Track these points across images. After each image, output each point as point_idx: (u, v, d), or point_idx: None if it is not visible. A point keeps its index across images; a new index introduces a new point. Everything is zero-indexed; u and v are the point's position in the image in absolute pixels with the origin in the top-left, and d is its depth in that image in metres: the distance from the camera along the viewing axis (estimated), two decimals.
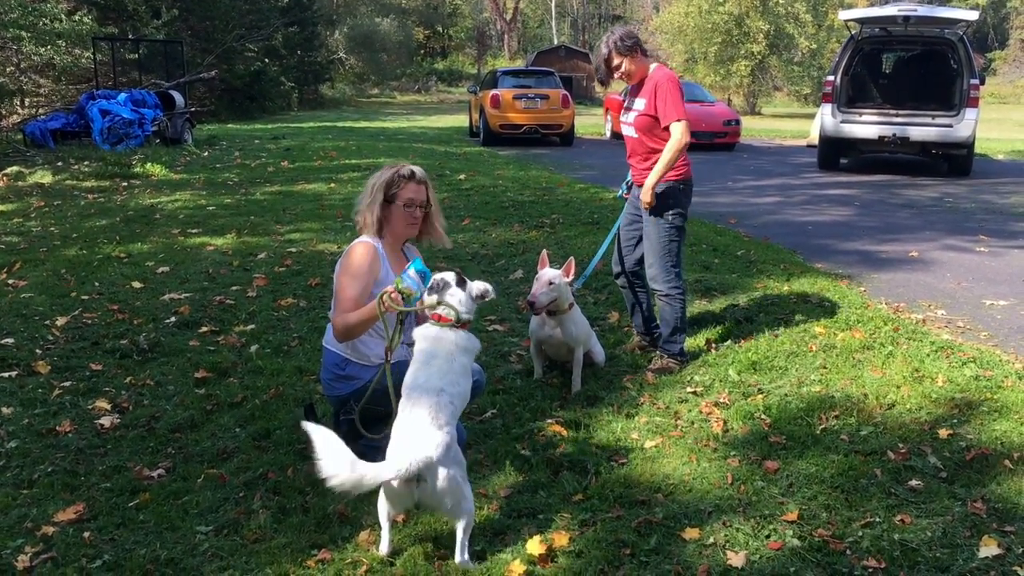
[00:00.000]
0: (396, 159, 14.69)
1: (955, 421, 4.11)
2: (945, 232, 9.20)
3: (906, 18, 13.98)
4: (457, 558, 3.02)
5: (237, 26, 32.70)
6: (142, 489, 3.55)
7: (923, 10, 14.05)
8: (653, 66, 4.71)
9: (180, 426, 4.15)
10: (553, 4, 65.16)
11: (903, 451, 3.81)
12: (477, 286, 3.37)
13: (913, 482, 3.56)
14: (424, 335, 3.28)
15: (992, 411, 4.20)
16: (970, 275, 7.24)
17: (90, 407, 4.33)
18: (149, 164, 12.98)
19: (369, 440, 3.49)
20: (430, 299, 3.32)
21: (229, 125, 25.51)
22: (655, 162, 4.63)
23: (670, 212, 4.71)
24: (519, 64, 50.25)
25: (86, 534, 3.20)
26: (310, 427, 2.80)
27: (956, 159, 14.94)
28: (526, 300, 4.58)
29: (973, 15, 14.34)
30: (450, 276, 3.37)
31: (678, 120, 4.53)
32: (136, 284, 6.50)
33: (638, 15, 66.60)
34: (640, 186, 4.77)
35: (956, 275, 7.25)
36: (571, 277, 4.58)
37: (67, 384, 4.64)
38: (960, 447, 3.83)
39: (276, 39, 37.44)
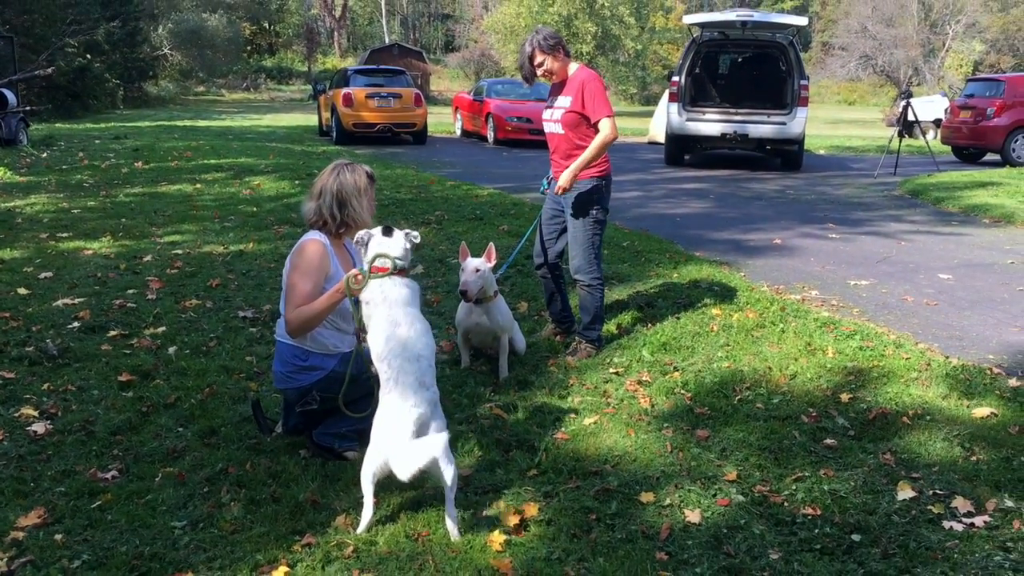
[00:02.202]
0: (257, 159, 14.46)
1: (852, 387, 4.61)
2: (798, 221, 10.02)
3: (744, 23, 14.99)
4: (448, 513, 3.20)
5: (58, 21, 30.83)
6: (100, 491, 3.49)
7: (758, 15, 15.13)
8: (575, 65, 4.98)
9: (119, 429, 4.07)
10: (383, 2, 64.67)
11: (814, 415, 4.25)
12: (400, 232, 3.51)
13: (828, 440, 3.99)
14: (371, 296, 3.38)
15: (881, 376, 4.73)
16: (831, 259, 7.97)
17: (16, 415, 4.18)
18: None
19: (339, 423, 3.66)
20: (368, 255, 3.45)
21: (57, 124, 24.08)
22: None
23: (593, 207, 4.99)
24: (351, 62, 49.65)
25: (57, 536, 3.14)
26: None
27: (789, 154, 16.13)
28: (459, 290, 4.74)
29: (803, 20, 15.52)
30: (375, 230, 3.51)
31: (607, 117, 4.83)
32: (21, 290, 6.21)
33: (469, 14, 67.13)
34: None
35: (819, 259, 7.95)
36: (493, 262, 4.78)
37: None
38: (862, 409, 4.32)
39: (98, 35, 35.54)
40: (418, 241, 3.58)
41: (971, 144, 18.20)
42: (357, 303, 3.56)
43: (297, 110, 36.52)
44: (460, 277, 4.76)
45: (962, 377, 4.72)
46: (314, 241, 3.80)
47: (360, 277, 3.45)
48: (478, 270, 4.70)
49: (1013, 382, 4.67)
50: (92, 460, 3.77)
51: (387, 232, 3.49)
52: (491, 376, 4.86)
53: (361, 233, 3.52)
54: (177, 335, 5.37)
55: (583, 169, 4.90)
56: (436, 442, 3.10)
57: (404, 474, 3.07)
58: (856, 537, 3.19)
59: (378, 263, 3.43)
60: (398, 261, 3.45)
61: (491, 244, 4.84)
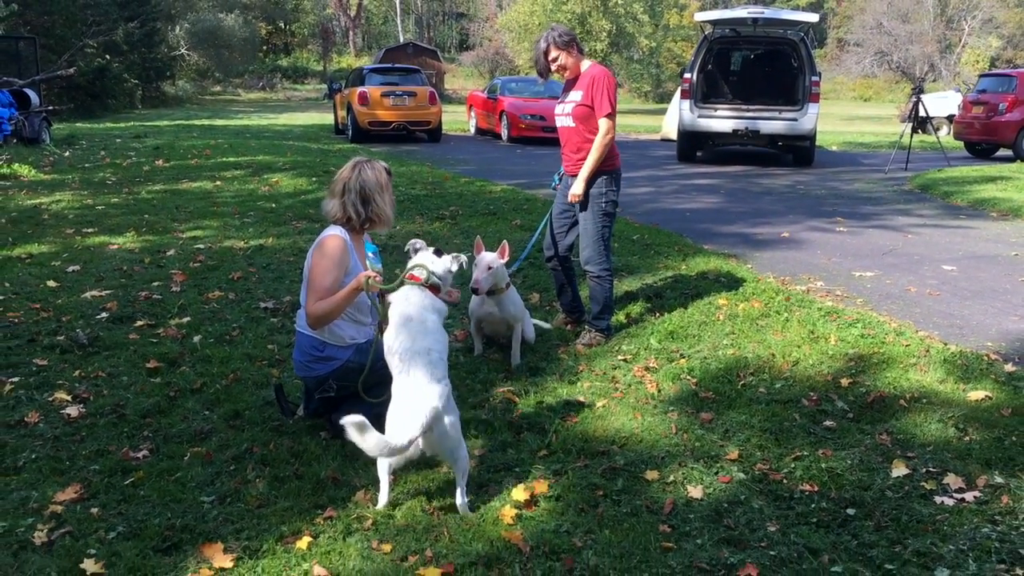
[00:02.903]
0: (274, 157, 14.69)
1: (852, 372, 4.76)
2: (806, 215, 10.16)
3: (755, 20, 15.11)
4: (458, 500, 3.38)
5: (78, 22, 31.23)
6: (133, 469, 3.68)
7: (769, 12, 15.25)
8: (588, 63, 5.16)
9: (149, 412, 4.27)
10: (398, 1, 64.88)
11: (814, 398, 4.41)
12: (449, 256, 3.80)
13: (827, 423, 4.15)
14: (396, 297, 3.61)
15: (881, 362, 4.89)
16: (837, 252, 8.12)
17: (50, 399, 4.38)
18: (16, 165, 12.48)
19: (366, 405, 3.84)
20: (410, 263, 3.71)
21: (78, 124, 24.44)
22: (588, 152, 5.07)
23: (603, 200, 5.17)
24: (366, 61, 49.89)
25: (94, 510, 3.34)
26: (346, 422, 3.01)
27: (800, 150, 16.22)
28: (470, 286, 4.91)
29: (814, 17, 15.62)
30: (430, 248, 3.80)
31: (606, 116, 5.00)
32: (51, 283, 6.43)
33: (483, 13, 67.22)
34: (572, 175, 5.21)
35: (825, 252, 8.10)
36: (506, 259, 4.95)
37: (16, 380, 4.63)
38: (861, 392, 4.48)
39: (117, 35, 35.95)
40: (463, 260, 3.84)
41: (983, 139, 18.23)
42: (382, 299, 3.76)
43: (313, 109, 36.84)
44: (472, 272, 4.93)
45: (960, 363, 4.87)
46: (335, 236, 3.95)
47: (379, 279, 3.65)
48: (490, 267, 4.85)
49: (1009, 367, 4.82)
50: (124, 441, 3.98)
51: (438, 253, 3.77)
52: (504, 363, 5.04)
53: (412, 242, 3.83)
54: (201, 325, 5.58)
55: (590, 174, 5.08)
56: (432, 393, 3.25)
57: (406, 435, 3.14)
58: (851, 511, 3.34)
59: (415, 272, 3.64)
60: (433, 276, 3.65)
61: (504, 241, 5.00)
